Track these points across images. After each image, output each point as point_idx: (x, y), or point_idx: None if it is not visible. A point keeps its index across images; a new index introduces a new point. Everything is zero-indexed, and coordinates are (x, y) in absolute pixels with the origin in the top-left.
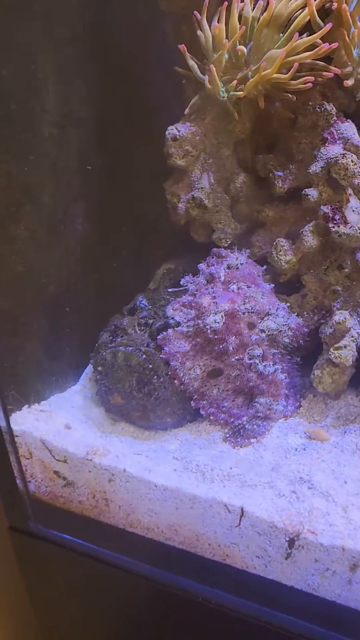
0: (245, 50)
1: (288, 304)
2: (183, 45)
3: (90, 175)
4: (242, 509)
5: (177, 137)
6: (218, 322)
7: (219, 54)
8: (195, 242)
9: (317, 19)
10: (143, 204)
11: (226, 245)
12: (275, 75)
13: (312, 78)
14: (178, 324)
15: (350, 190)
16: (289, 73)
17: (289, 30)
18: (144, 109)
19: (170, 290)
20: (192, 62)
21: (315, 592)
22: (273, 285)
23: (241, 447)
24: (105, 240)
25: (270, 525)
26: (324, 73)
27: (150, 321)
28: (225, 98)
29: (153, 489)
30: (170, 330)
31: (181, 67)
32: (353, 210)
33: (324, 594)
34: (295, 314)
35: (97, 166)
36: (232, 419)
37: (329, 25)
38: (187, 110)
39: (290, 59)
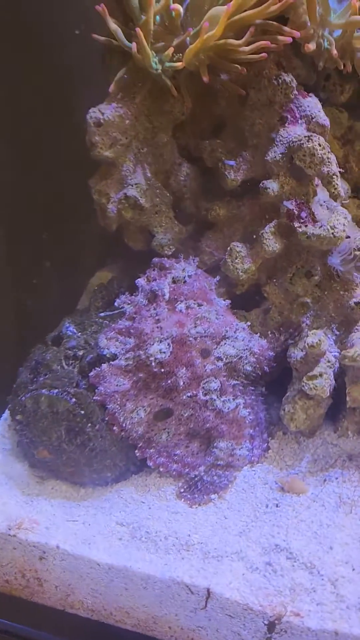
0: (181, 10)
1: (248, 323)
2: (102, 5)
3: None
4: (208, 590)
5: (102, 121)
6: (164, 352)
7: (147, 15)
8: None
9: None
10: (67, 203)
11: (169, 253)
12: (222, 41)
13: (266, 43)
14: (114, 357)
15: (317, 181)
16: (244, 38)
17: None
18: (59, 89)
19: (102, 314)
20: (114, 27)
21: None
22: (229, 301)
23: (199, 504)
24: (21, 252)
25: (244, 608)
26: (280, 37)
27: (80, 353)
28: (159, 71)
29: (95, 567)
30: (104, 365)
31: (101, 34)
32: (321, 205)
33: None
34: (258, 334)
35: (3, 161)
36: (186, 470)
37: None
38: (112, 88)
39: (237, 17)
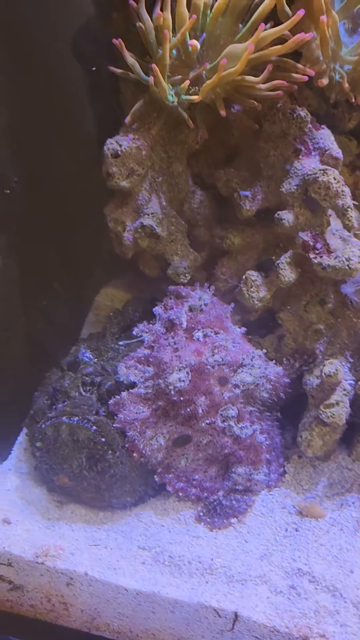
0: (198, 46)
1: (264, 350)
2: (119, 39)
3: (8, 200)
4: (235, 613)
5: (119, 152)
6: (183, 381)
7: (163, 49)
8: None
9: (285, 5)
10: (71, 222)
11: (185, 281)
12: (240, 77)
13: (283, 83)
14: (133, 385)
15: (330, 212)
16: (261, 76)
17: (252, 19)
18: (69, 116)
19: (122, 343)
20: (131, 60)
21: None
22: (245, 329)
23: (219, 529)
24: (30, 274)
25: (271, 630)
26: (296, 75)
27: (98, 379)
28: (175, 103)
29: (123, 593)
30: (124, 393)
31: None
32: (333, 234)
33: None
34: (273, 360)
35: (14, 188)
36: (205, 494)
37: (301, 12)
38: (128, 119)
39: (255, 55)
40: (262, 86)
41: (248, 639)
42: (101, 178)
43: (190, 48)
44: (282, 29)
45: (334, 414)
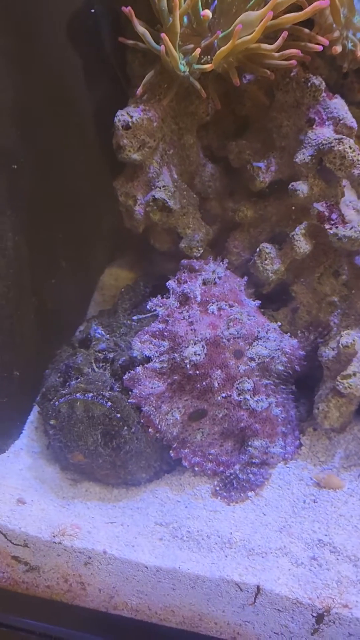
0: (210, 15)
1: (279, 323)
2: (129, 7)
3: (16, 176)
4: (258, 587)
5: (130, 124)
6: (199, 354)
7: (173, 17)
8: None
9: None
10: (79, 201)
11: (198, 255)
12: (255, 45)
13: (297, 52)
14: (148, 359)
15: (344, 181)
16: (276, 43)
17: None
18: (76, 90)
19: (135, 318)
20: (142, 29)
21: None
22: (259, 301)
23: (237, 502)
24: (41, 253)
25: (294, 602)
26: (310, 45)
27: (111, 355)
28: (187, 73)
29: (142, 570)
30: (139, 368)
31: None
32: (347, 205)
33: None
34: (288, 333)
35: (22, 164)
36: (221, 468)
37: None
38: (139, 90)
39: (270, 23)
40: (276, 54)
41: (270, 611)
42: (107, 154)
43: (202, 16)
44: None
45: (351, 385)
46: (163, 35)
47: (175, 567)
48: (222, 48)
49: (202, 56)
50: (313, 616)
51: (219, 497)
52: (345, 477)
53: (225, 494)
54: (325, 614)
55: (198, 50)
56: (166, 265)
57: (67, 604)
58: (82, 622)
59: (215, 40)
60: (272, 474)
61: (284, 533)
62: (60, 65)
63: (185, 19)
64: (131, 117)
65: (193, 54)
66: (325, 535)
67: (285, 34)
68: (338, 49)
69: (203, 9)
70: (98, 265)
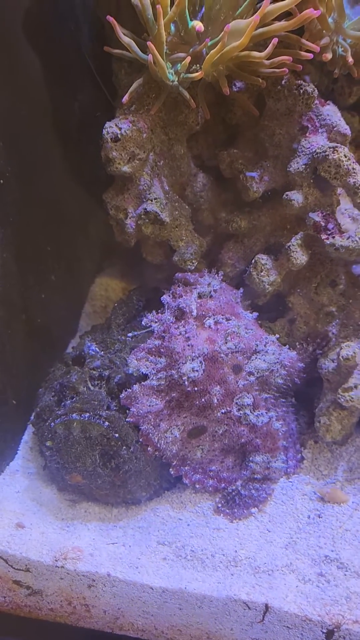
0: (201, 25)
1: (277, 335)
2: (111, 17)
3: (2, 192)
4: (266, 605)
5: (119, 136)
6: (197, 371)
7: (158, 25)
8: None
9: None
10: (66, 213)
11: (192, 268)
12: (245, 52)
13: (288, 58)
14: (144, 377)
15: (339, 190)
16: (266, 51)
17: None
18: (61, 102)
19: (130, 335)
20: (127, 39)
21: None
22: (256, 313)
23: (240, 519)
24: (29, 269)
25: (303, 619)
26: (302, 52)
27: (106, 373)
28: (176, 82)
29: (148, 591)
30: (136, 386)
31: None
32: (342, 213)
33: None
34: (286, 345)
35: (8, 178)
36: (223, 485)
37: None
38: (125, 99)
39: (261, 30)
40: (267, 62)
41: (279, 629)
42: (91, 165)
43: (193, 27)
44: (289, 4)
45: (353, 398)
46: (149, 44)
47: (182, 587)
48: (211, 52)
49: (191, 65)
50: (323, 632)
51: (222, 514)
52: (349, 490)
53: (228, 510)
54: (335, 630)
55: (188, 59)
56: (158, 274)
57: (72, 626)
58: None
59: (204, 48)
60: (274, 489)
61: (289, 550)
62: (44, 77)
63: (172, 27)
64: (120, 129)
65: (182, 62)
66: (332, 550)
67: (275, 41)
68: (328, 55)
69: (190, 17)
70: (87, 276)
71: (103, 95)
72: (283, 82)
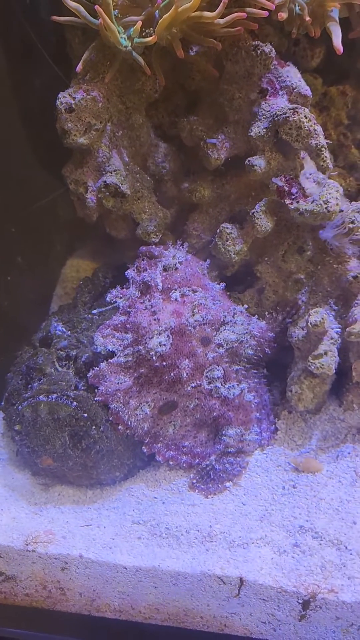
0: None
1: (246, 306)
2: None
3: None
4: (240, 579)
5: (73, 106)
6: (164, 345)
7: None
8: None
9: None
10: (31, 193)
11: (157, 240)
12: (197, 13)
13: (242, 15)
14: (112, 354)
15: (303, 153)
16: (217, 10)
17: None
18: (15, 77)
19: (95, 311)
20: (74, 4)
21: None
22: (224, 284)
23: (215, 494)
24: None
25: (278, 591)
26: (255, 10)
27: (74, 353)
28: (129, 47)
29: (122, 571)
30: (103, 364)
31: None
32: (307, 178)
33: None
34: (255, 315)
35: None
36: (197, 460)
37: None
38: (78, 68)
39: None
40: (221, 21)
41: (255, 602)
42: (55, 141)
43: None
44: None
45: (323, 365)
46: (97, 7)
47: (155, 565)
48: (164, 16)
49: (144, 29)
50: (299, 603)
51: (197, 490)
52: (323, 459)
53: (202, 486)
54: (311, 600)
55: (139, 23)
56: (129, 252)
57: (49, 610)
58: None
59: (157, 11)
60: (249, 461)
61: (264, 522)
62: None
63: None
64: (74, 98)
65: (134, 27)
66: (307, 520)
67: (225, 0)
68: (284, 14)
69: None
70: (58, 258)
71: (62, 69)
72: (240, 43)
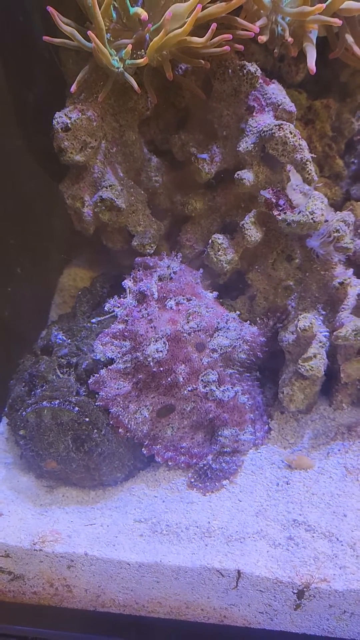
0: (144, 13)
1: (238, 312)
2: (52, 7)
3: None
4: (238, 571)
5: (69, 125)
6: (161, 351)
7: (95, 13)
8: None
9: None
10: (28, 205)
11: (152, 251)
12: (186, 38)
13: (229, 36)
14: (111, 361)
15: (289, 167)
16: (205, 36)
17: None
18: (16, 93)
19: (94, 320)
20: (68, 29)
21: (332, 635)
22: (216, 292)
23: (212, 492)
24: None
25: (274, 582)
26: (241, 32)
27: (74, 360)
28: (121, 69)
29: (125, 567)
30: (103, 370)
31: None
32: (294, 189)
33: (341, 634)
34: (247, 321)
35: None
36: (194, 460)
37: None
38: (73, 88)
39: (201, 14)
40: (208, 43)
41: (252, 593)
42: (52, 156)
43: (132, 12)
44: None
45: (312, 367)
46: (90, 32)
47: (157, 561)
48: (154, 39)
49: (135, 51)
50: (294, 593)
51: (195, 489)
52: (315, 456)
53: (200, 484)
54: (305, 589)
55: (130, 46)
56: (124, 261)
57: (56, 607)
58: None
59: (147, 34)
60: (244, 460)
61: (260, 517)
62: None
63: (114, 14)
64: (69, 118)
65: (126, 49)
66: (300, 514)
67: (214, 26)
68: (264, 38)
69: (131, 3)
70: (55, 268)
71: (59, 86)
72: (227, 63)
